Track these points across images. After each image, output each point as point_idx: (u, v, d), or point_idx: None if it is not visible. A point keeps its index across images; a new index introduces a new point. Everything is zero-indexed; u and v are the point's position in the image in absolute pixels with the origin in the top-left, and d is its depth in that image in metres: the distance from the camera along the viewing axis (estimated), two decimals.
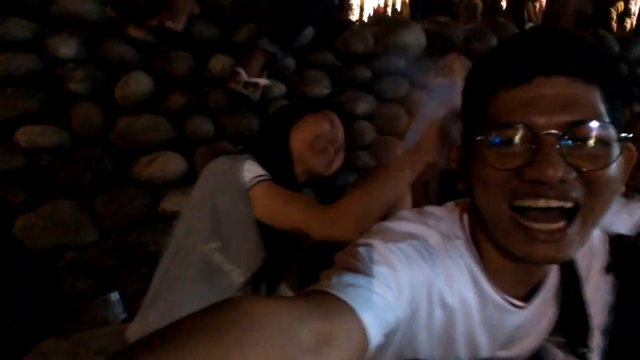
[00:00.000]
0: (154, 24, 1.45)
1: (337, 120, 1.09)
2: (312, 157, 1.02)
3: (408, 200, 0.93)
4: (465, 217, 0.63)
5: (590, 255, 0.67)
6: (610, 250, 0.69)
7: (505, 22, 2.52)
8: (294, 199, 0.93)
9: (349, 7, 1.97)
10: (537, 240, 0.50)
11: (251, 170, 0.94)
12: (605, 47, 2.41)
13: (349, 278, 0.48)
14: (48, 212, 1.49)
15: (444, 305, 0.58)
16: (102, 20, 1.51)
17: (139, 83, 1.54)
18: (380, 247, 0.54)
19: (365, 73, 1.97)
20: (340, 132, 1.09)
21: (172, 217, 1.34)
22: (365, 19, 4.62)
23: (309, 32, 1.83)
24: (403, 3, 5.29)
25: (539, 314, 0.67)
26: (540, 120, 0.48)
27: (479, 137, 0.53)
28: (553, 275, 0.67)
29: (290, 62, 1.83)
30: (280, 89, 1.80)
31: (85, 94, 1.49)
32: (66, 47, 1.44)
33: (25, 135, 1.41)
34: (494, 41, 2.20)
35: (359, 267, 0.51)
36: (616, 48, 2.51)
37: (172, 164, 1.60)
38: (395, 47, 1.96)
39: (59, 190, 1.52)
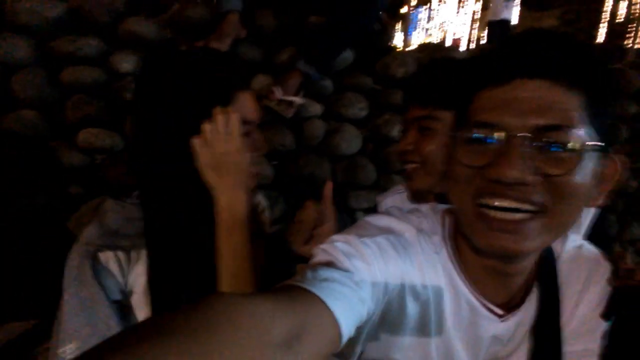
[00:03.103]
0: (200, 44, 1.61)
1: None
2: None
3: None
4: (447, 217, 0.65)
5: (586, 279, 0.64)
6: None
7: None
8: None
9: (391, 33, 1.99)
10: (496, 230, 0.50)
11: None
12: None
13: (323, 272, 0.49)
14: (94, 206, 1.66)
15: (417, 296, 0.59)
16: (160, 40, 1.71)
17: None
18: (355, 242, 0.56)
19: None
20: None
21: None
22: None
23: (349, 56, 1.89)
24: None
25: (517, 341, 0.63)
26: (512, 122, 0.48)
27: (452, 134, 0.54)
28: (531, 304, 0.63)
29: (328, 84, 1.89)
30: (316, 108, 1.86)
31: None
32: (127, 63, 1.65)
33: (84, 136, 1.61)
34: None
35: (334, 261, 0.53)
36: None
37: None
38: None
39: (108, 187, 1.69)
